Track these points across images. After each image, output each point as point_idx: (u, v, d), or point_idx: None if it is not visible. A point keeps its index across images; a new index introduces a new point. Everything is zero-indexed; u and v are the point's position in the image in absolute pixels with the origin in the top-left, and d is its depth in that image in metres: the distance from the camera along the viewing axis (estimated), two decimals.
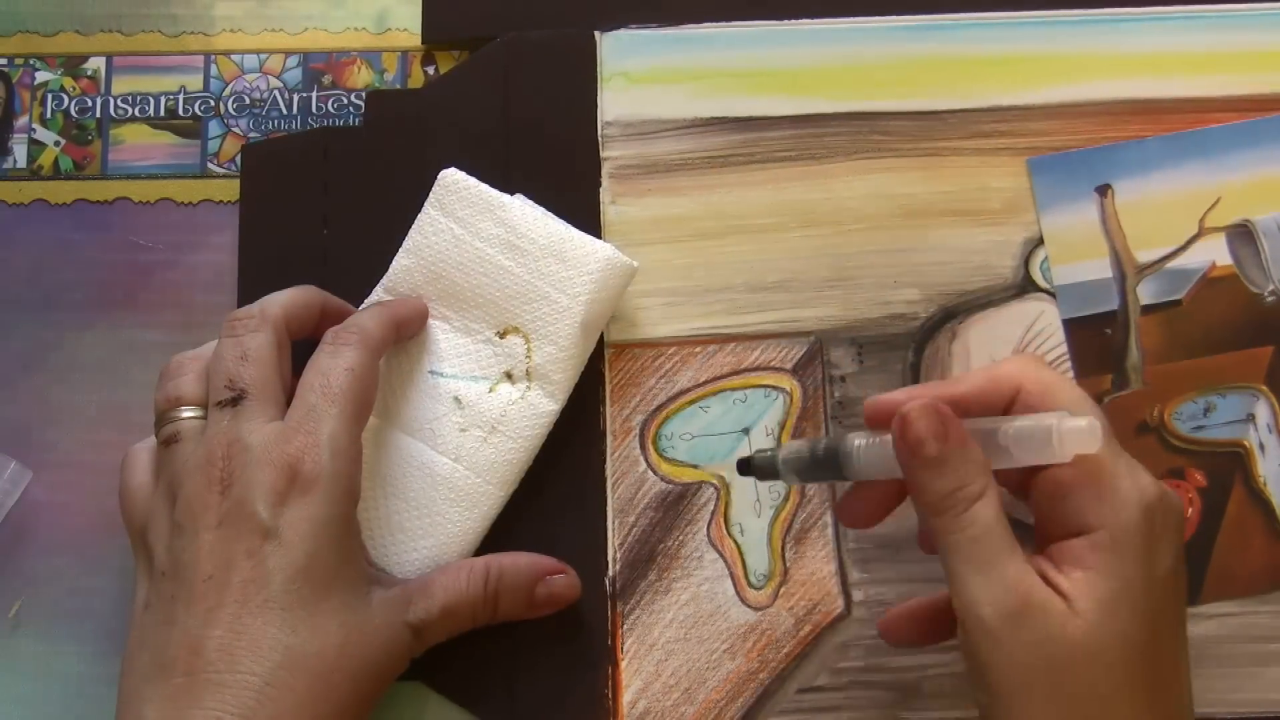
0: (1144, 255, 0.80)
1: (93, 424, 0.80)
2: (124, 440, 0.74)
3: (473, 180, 0.78)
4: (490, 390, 0.76)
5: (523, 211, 0.78)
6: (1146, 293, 0.79)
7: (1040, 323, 0.79)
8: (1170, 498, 0.65)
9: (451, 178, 0.78)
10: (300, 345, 0.73)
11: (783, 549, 0.76)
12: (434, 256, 0.78)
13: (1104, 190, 0.81)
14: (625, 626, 0.76)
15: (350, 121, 0.84)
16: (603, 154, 0.82)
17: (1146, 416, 0.78)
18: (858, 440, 0.68)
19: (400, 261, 0.78)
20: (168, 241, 0.82)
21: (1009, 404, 0.66)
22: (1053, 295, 0.80)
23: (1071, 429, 0.62)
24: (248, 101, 0.85)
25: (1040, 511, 0.66)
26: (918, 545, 0.74)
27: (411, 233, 0.78)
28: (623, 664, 0.75)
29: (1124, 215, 0.80)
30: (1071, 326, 0.79)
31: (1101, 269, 0.80)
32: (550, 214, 0.78)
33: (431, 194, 0.79)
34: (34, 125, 0.85)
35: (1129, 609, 0.62)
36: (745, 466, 0.72)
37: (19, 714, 0.76)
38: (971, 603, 0.62)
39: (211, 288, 0.81)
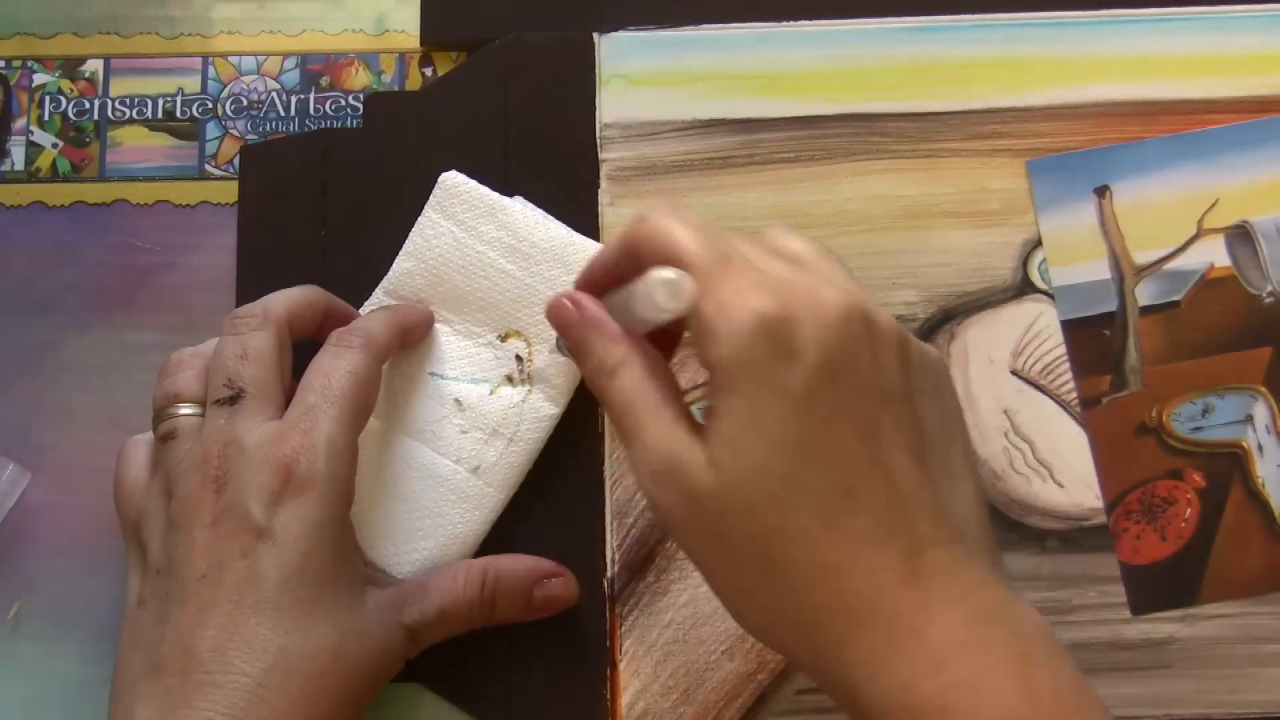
0: (1142, 257, 0.80)
1: (91, 426, 0.80)
2: (122, 441, 0.74)
3: (473, 183, 0.78)
4: (491, 393, 0.76)
5: (523, 214, 0.78)
6: (1145, 294, 0.79)
7: (1039, 324, 0.79)
8: (795, 307, 0.58)
9: (452, 180, 0.78)
10: (302, 346, 0.73)
11: None
12: (435, 259, 0.78)
13: (1102, 192, 0.81)
14: (623, 628, 0.76)
15: (348, 123, 0.84)
16: (601, 156, 0.82)
17: (1145, 418, 0.78)
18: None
19: (401, 264, 0.78)
20: (166, 243, 0.82)
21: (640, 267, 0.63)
22: (1051, 297, 0.79)
23: (661, 284, 0.59)
24: (246, 103, 0.85)
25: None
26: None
27: (412, 235, 0.78)
28: (621, 666, 0.75)
29: (1122, 217, 0.80)
30: (1070, 328, 0.79)
31: (1100, 270, 0.80)
32: (551, 217, 0.78)
33: (432, 197, 0.79)
34: (32, 127, 0.84)
35: (762, 444, 0.58)
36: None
37: (18, 715, 0.76)
38: (633, 470, 0.62)
39: (210, 289, 0.81)
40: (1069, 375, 0.78)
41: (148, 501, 0.70)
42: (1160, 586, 0.76)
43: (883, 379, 0.60)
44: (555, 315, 0.66)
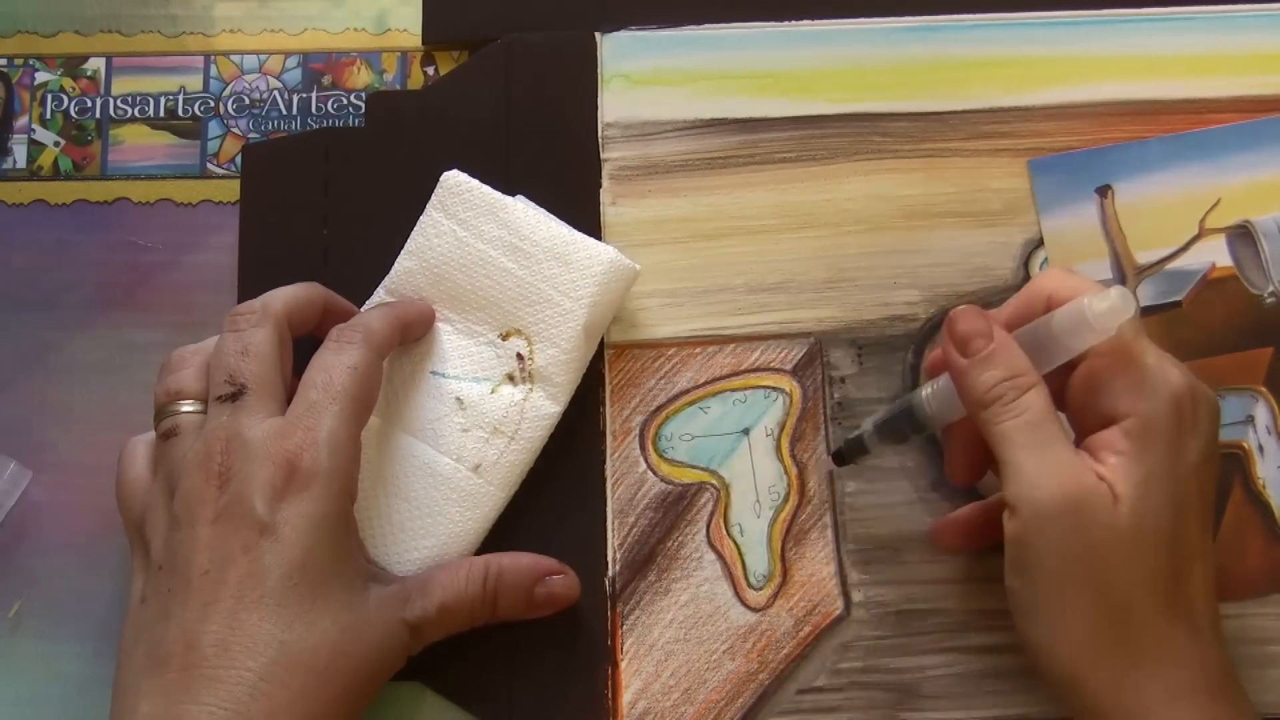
0: (1144, 256, 0.80)
1: (92, 424, 0.80)
2: (123, 440, 0.74)
3: (475, 182, 0.78)
4: (492, 392, 0.76)
5: (525, 214, 0.78)
6: (1146, 294, 0.79)
7: None
8: (1201, 390, 0.67)
9: (454, 179, 0.78)
10: (303, 343, 0.73)
11: (782, 550, 0.76)
12: (436, 258, 0.78)
13: (1104, 191, 0.81)
14: (625, 627, 0.76)
15: (350, 122, 0.84)
16: (603, 155, 0.82)
17: None
18: (925, 388, 0.71)
19: (402, 263, 0.78)
20: (167, 242, 0.82)
21: (1045, 313, 0.68)
22: None
23: (1103, 299, 0.64)
24: (247, 102, 0.85)
25: (1077, 408, 0.68)
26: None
27: (414, 234, 0.78)
28: (622, 664, 0.75)
29: (1124, 216, 0.81)
30: None
31: (1102, 270, 0.80)
32: (552, 216, 0.78)
33: (434, 196, 0.79)
34: (34, 126, 0.85)
35: (1160, 495, 0.64)
36: (839, 457, 0.75)
37: (18, 714, 0.76)
38: (1027, 485, 0.65)
39: (211, 288, 0.81)
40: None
41: (150, 499, 0.70)
42: None
43: (1216, 470, 0.69)
44: (961, 325, 0.68)
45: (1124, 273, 0.80)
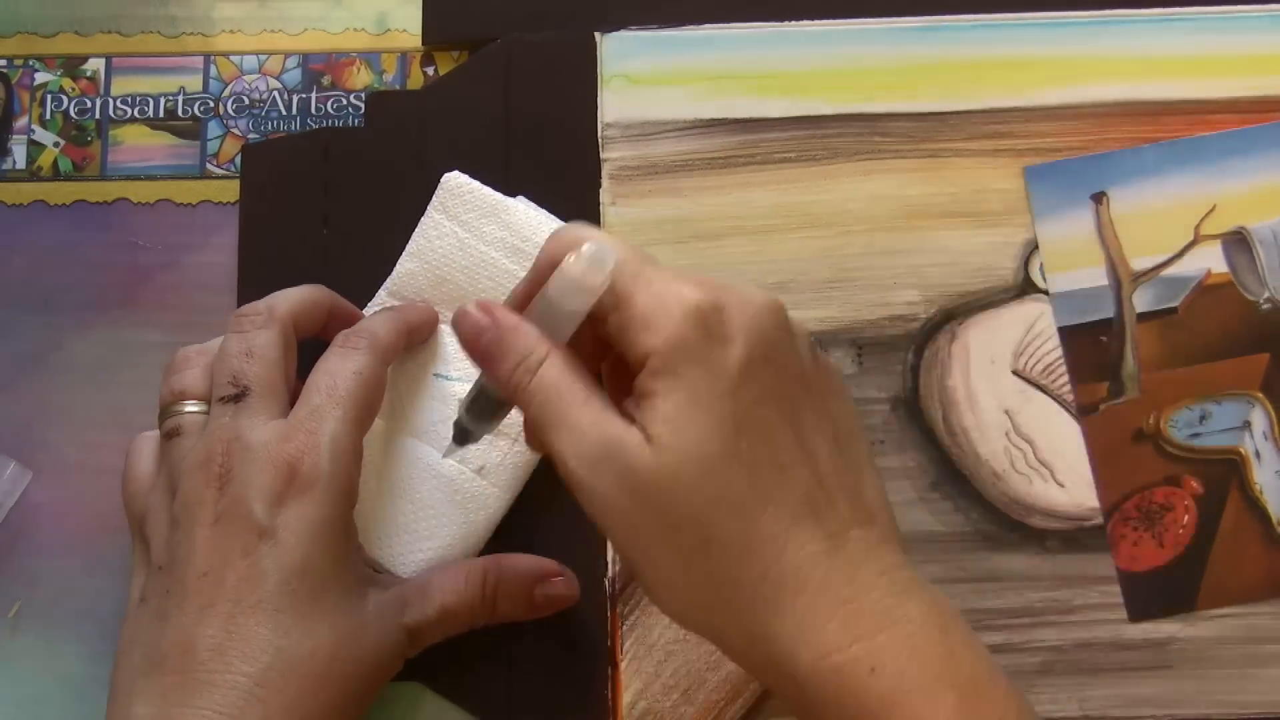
0: (1139, 263, 0.80)
1: (93, 425, 0.80)
2: (124, 441, 0.74)
3: (476, 183, 0.79)
4: None
5: (526, 215, 0.78)
6: (1142, 301, 0.79)
7: (1040, 324, 0.79)
8: (730, 296, 0.62)
9: (455, 181, 0.79)
10: (307, 346, 0.73)
11: None
12: (438, 260, 0.78)
13: (1099, 198, 0.81)
14: (624, 628, 0.76)
15: (350, 122, 0.84)
16: (603, 155, 0.82)
17: (1143, 424, 0.78)
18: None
19: (404, 265, 0.78)
20: (167, 242, 0.82)
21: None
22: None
23: (576, 259, 0.61)
24: (247, 102, 0.85)
25: (619, 365, 0.64)
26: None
27: (415, 236, 0.79)
28: (622, 665, 0.75)
29: (1119, 223, 0.80)
30: (1067, 334, 0.79)
31: (1097, 277, 0.80)
32: (554, 217, 0.78)
33: (435, 197, 0.79)
34: (33, 126, 0.85)
35: (699, 419, 0.59)
36: (460, 437, 0.70)
37: (18, 714, 0.76)
38: (561, 462, 0.61)
39: (211, 289, 0.81)
40: (1067, 381, 0.79)
41: (152, 498, 0.70)
42: (1157, 593, 0.76)
43: (802, 370, 0.63)
44: (465, 324, 0.64)
45: (1120, 279, 0.80)
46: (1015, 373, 0.78)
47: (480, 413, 0.68)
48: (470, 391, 0.68)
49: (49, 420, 0.80)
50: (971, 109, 0.82)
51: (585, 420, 0.61)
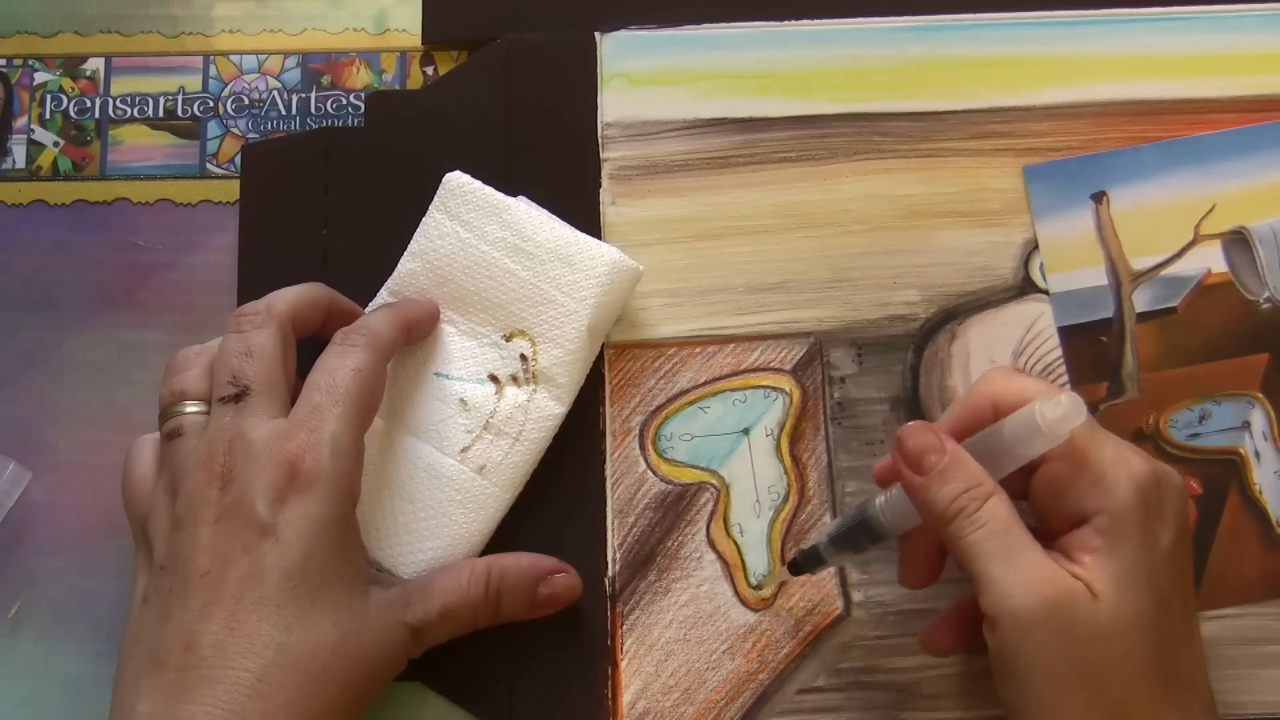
0: (1139, 263, 0.80)
1: (92, 424, 0.80)
2: (124, 440, 0.74)
3: (477, 183, 0.78)
4: (496, 393, 0.76)
5: (528, 214, 0.78)
6: (1142, 300, 0.80)
7: (1040, 324, 0.79)
8: (1165, 473, 0.67)
9: (456, 181, 0.78)
10: (306, 344, 0.73)
11: (782, 550, 0.77)
12: (439, 260, 0.78)
13: (1099, 197, 0.81)
14: (625, 627, 0.76)
15: (349, 122, 0.84)
16: (603, 155, 0.82)
17: (1142, 424, 0.78)
18: (879, 499, 0.70)
19: (405, 265, 0.78)
20: (167, 242, 0.82)
21: (992, 420, 0.68)
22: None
23: (1054, 405, 0.63)
24: (247, 102, 0.85)
25: (1041, 513, 0.68)
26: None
27: (416, 236, 0.79)
28: (622, 664, 0.75)
29: (1119, 222, 0.81)
30: (1067, 334, 0.79)
31: (1097, 276, 0.80)
32: (555, 217, 0.78)
33: (436, 197, 0.79)
34: (33, 126, 0.85)
35: (1138, 587, 0.64)
36: (795, 567, 0.74)
37: (18, 714, 0.76)
38: (1003, 596, 0.64)
39: (211, 288, 0.81)
40: (1066, 381, 0.79)
41: (154, 499, 0.69)
42: None
43: (1190, 550, 0.69)
44: (911, 441, 0.67)
45: (1119, 278, 0.80)
46: None
47: (848, 543, 0.71)
48: (843, 521, 0.71)
49: (49, 420, 0.80)
50: (971, 108, 0.82)
51: (1035, 561, 0.64)
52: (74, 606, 0.77)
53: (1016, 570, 0.64)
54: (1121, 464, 0.65)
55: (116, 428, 0.79)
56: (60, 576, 0.78)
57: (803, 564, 0.74)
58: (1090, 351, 0.79)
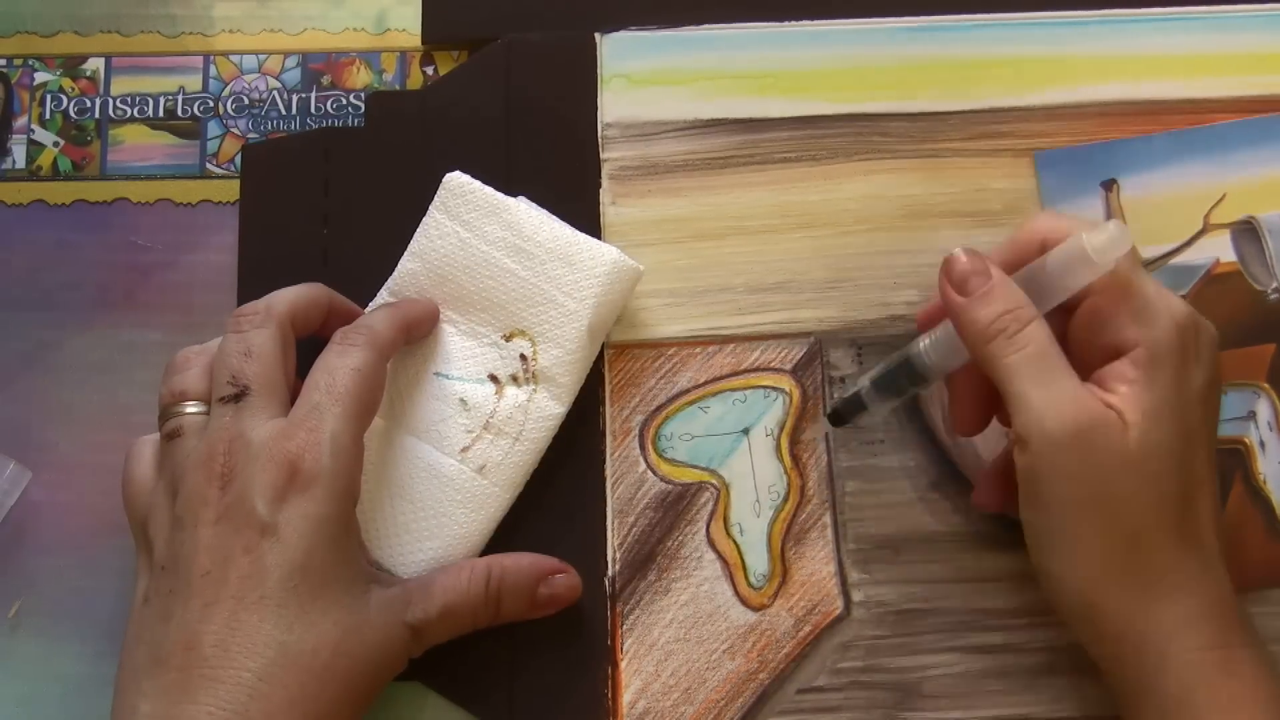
0: (1148, 251, 0.80)
1: (92, 424, 0.80)
2: (124, 440, 0.74)
3: (477, 184, 0.78)
4: (496, 393, 0.76)
5: (528, 215, 0.78)
6: None
7: None
8: (1201, 320, 0.68)
9: (456, 181, 0.78)
10: (306, 344, 0.73)
11: (782, 549, 0.76)
12: (439, 260, 0.78)
13: (1109, 185, 0.81)
14: (625, 627, 0.76)
15: (350, 122, 0.84)
16: (603, 155, 0.82)
17: None
18: (922, 340, 0.71)
19: (405, 265, 0.78)
20: (167, 242, 0.82)
21: (1038, 254, 0.69)
22: None
23: (1100, 232, 0.65)
24: (247, 102, 0.85)
25: (1079, 349, 0.69)
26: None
27: (417, 236, 0.78)
28: (622, 664, 0.75)
29: (1129, 211, 0.81)
30: None
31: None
32: (555, 217, 0.78)
33: (437, 197, 0.79)
34: (33, 126, 0.85)
35: (1169, 420, 0.66)
36: (836, 416, 0.76)
37: (18, 714, 0.76)
38: (1038, 418, 0.65)
39: (210, 288, 0.81)
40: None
41: (154, 500, 0.69)
42: None
43: (1218, 404, 0.70)
44: (956, 267, 0.69)
45: None
46: None
47: (891, 386, 0.73)
48: (886, 364, 0.73)
49: (49, 420, 0.80)
50: (971, 109, 0.83)
51: (1070, 386, 0.66)
52: (74, 606, 0.77)
53: (1051, 393, 0.65)
54: (1163, 301, 0.67)
55: (116, 428, 0.79)
56: (60, 576, 0.78)
57: (844, 412, 0.76)
58: None
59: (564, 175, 0.82)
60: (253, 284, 0.79)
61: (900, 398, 0.74)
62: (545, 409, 0.76)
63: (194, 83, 0.85)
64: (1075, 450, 0.65)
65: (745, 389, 0.79)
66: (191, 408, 0.70)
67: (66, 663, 0.76)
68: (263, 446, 0.66)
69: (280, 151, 0.83)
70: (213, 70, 0.86)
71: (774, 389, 0.79)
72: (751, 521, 0.77)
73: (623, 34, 0.84)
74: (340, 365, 0.70)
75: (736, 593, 0.76)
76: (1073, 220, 0.69)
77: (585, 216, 0.80)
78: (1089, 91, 0.83)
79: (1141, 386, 0.65)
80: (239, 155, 0.83)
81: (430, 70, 0.85)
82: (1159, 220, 0.81)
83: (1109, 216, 0.80)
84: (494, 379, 0.77)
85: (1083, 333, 0.69)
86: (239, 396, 0.68)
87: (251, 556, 0.65)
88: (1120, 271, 0.66)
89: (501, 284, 0.77)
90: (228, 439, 0.67)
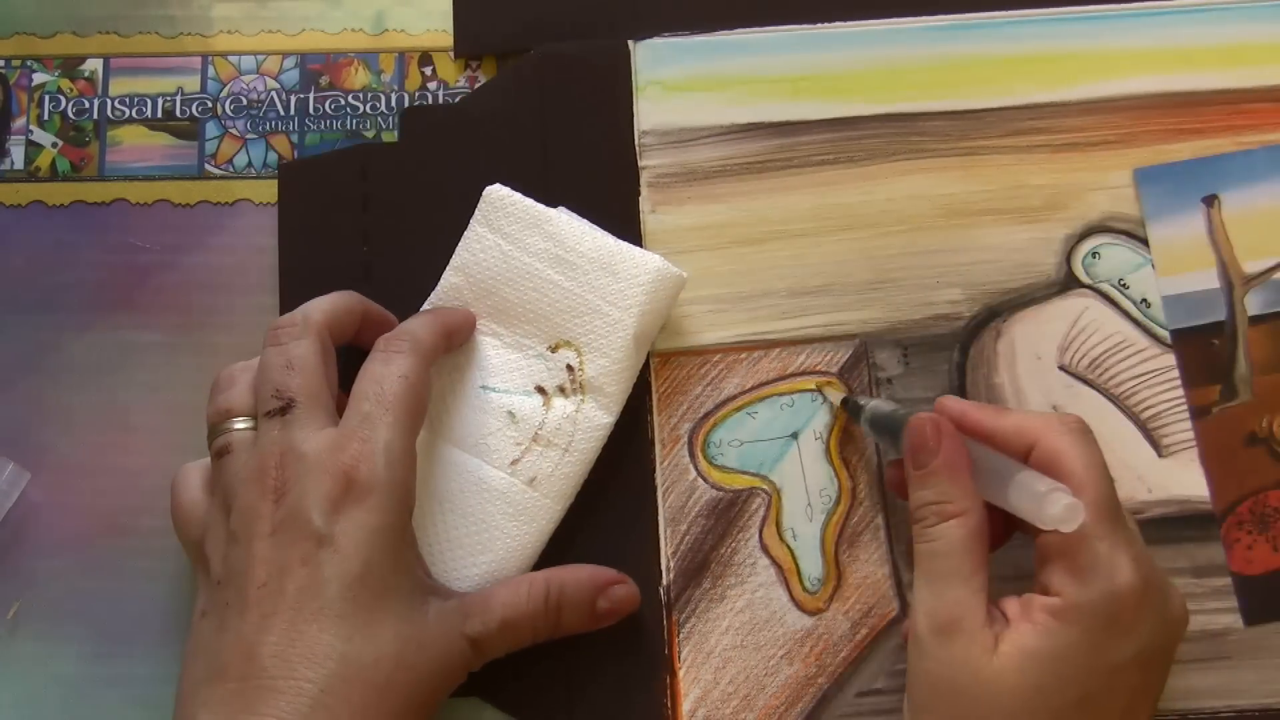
0: (1251, 266, 0.80)
1: (91, 425, 0.80)
2: (123, 441, 0.76)
3: (518, 195, 0.78)
4: (544, 404, 0.76)
5: (569, 225, 0.78)
6: (1254, 303, 0.80)
7: (1085, 318, 0.80)
8: (1158, 590, 0.66)
9: (497, 194, 0.78)
10: (343, 354, 0.73)
11: (836, 553, 0.77)
12: (482, 273, 0.78)
13: (1211, 201, 0.81)
14: (681, 635, 0.76)
15: (349, 122, 0.84)
16: (641, 163, 0.82)
17: (1256, 428, 0.78)
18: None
19: (448, 279, 0.78)
20: (165, 243, 0.82)
21: (1025, 455, 0.68)
22: (1097, 290, 0.80)
23: (1053, 503, 0.63)
24: (245, 102, 0.85)
25: (1036, 562, 0.68)
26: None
27: (459, 250, 0.78)
28: (680, 673, 0.75)
29: (1231, 226, 0.81)
30: (1179, 337, 0.79)
31: (1209, 280, 0.80)
32: (596, 227, 0.78)
33: (477, 210, 0.78)
34: (31, 127, 0.84)
35: (1051, 674, 0.64)
36: (845, 403, 0.77)
37: (18, 714, 0.76)
38: (914, 610, 0.67)
39: (209, 289, 0.81)
40: (1118, 369, 0.79)
41: (209, 518, 0.69)
42: (1275, 597, 0.76)
43: (1161, 681, 0.68)
44: (920, 430, 0.69)
45: (1231, 281, 0.80)
46: (1062, 368, 0.79)
47: (883, 429, 0.73)
48: (891, 411, 0.73)
49: (48, 420, 0.80)
50: (1007, 105, 0.83)
51: (953, 593, 0.66)
52: (73, 607, 0.77)
53: (932, 593, 0.66)
54: (1111, 566, 0.64)
55: (116, 428, 0.79)
56: (60, 576, 0.78)
57: (849, 409, 0.77)
58: (1202, 355, 0.79)
59: (602, 184, 0.82)
60: (295, 305, 0.77)
61: (878, 438, 0.75)
62: (594, 419, 0.76)
63: (192, 83, 0.85)
64: (932, 652, 0.65)
65: (792, 393, 0.79)
66: (239, 424, 0.70)
67: (66, 663, 0.76)
68: (316, 458, 0.66)
69: (316, 169, 0.83)
70: (211, 71, 0.85)
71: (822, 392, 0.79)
72: (804, 526, 0.77)
73: (656, 41, 0.84)
74: (387, 374, 0.69)
75: (792, 597, 0.76)
76: (1065, 449, 0.67)
77: (625, 225, 0.80)
78: (1123, 85, 0.83)
79: (1035, 631, 0.64)
80: (239, 155, 0.84)
81: (429, 70, 0.85)
82: (1262, 234, 0.81)
83: (1211, 234, 0.81)
84: (541, 390, 0.77)
85: (1037, 554, 0.67)
86: (285, 409, 0.68)
87: (309, 568, 0.65)
88: (1081, 528, 0.64)
89: (545, 295, 0.77)
90: (279, 452, 0.67)
